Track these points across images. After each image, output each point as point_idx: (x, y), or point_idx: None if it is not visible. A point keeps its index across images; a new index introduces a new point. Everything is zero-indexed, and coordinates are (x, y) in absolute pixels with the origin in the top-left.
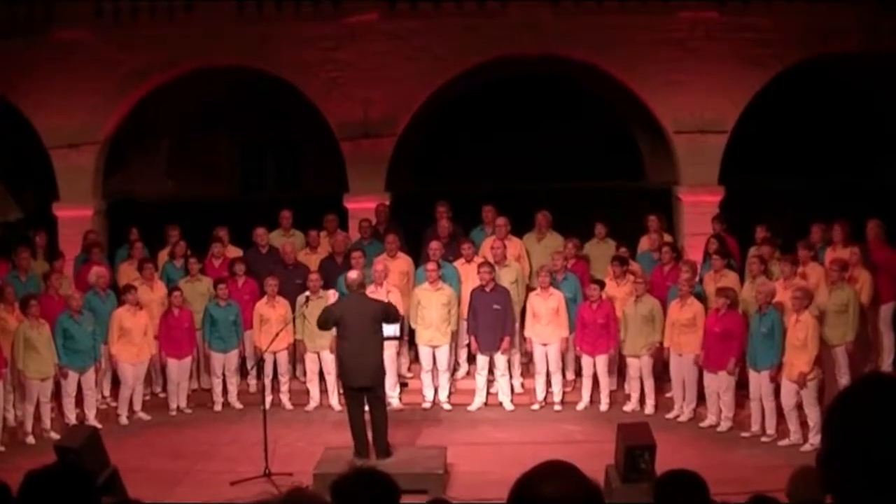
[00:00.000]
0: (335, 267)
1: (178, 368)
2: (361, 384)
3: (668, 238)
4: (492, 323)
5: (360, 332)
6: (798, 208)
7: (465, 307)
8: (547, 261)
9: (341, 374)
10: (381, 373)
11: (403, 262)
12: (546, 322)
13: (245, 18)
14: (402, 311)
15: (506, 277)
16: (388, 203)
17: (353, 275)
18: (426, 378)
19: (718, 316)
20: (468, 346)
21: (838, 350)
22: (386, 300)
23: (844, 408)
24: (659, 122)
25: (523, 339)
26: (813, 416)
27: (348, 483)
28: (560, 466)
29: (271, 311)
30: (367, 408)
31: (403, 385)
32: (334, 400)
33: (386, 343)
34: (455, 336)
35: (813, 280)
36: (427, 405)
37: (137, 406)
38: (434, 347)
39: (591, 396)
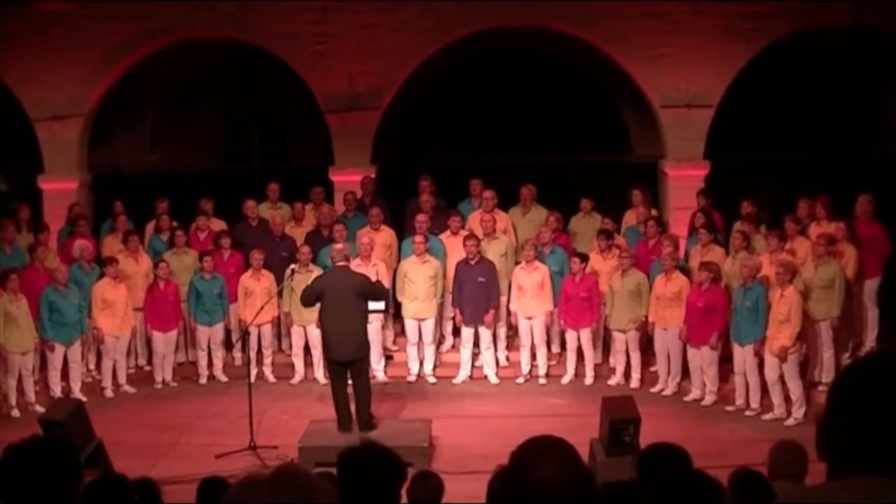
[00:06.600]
0: (321, 239)
1: (164, 341)
2: (344, 358)
3: (653, 212)
4: (477, 296)
5: (342, 306)
6: (783, 183)
7: (451, 280)
8: (532, 235)
9: (324, 349)
10: (365, 346)
11: (387, 234)
12: (531, 296)
13: None
14: (386, 283)
15: (495, 250)
16: (373, 176)
17: (339, 247)
18: (411, 351)
19: (701, 291)
20: (453, 319)
21: (823, 325)
22: (374, 276)
23: (853, 377)
24: (645, 96)
25: (509, 312)
26: (795, 390)
27: (357, 457)
28: (553, 448)
29: (256, 283)
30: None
31: (389, 358)
32: (319, 373)
33: (371, 316)
34: (441, 309)
35: (801, 255)
36: (412, 378)
37: (122, 379)
38: (420, 320)
39: (576, 370)
